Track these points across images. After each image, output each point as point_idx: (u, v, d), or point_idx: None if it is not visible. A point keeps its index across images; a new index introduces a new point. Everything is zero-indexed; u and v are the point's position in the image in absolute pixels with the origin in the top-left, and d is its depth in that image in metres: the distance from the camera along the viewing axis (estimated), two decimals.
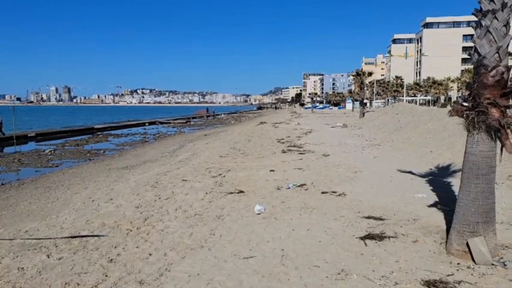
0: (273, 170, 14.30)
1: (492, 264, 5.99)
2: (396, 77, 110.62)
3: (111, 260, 6.52)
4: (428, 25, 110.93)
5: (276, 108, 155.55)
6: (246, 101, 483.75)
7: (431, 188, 11.07)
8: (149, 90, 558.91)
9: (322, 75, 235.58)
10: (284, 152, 19.57)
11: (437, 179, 12.24)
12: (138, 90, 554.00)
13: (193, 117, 79.94)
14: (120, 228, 8.22)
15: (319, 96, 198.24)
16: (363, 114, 48.66)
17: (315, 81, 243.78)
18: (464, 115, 6.32)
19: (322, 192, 10.80)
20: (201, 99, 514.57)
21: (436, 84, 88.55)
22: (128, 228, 8.16)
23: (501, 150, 6.38)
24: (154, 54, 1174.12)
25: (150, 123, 59.80)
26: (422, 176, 12.65)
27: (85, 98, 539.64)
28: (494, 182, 6.47)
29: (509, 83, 6.07)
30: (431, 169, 13.70)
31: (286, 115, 74.92)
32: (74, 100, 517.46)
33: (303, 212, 8.90)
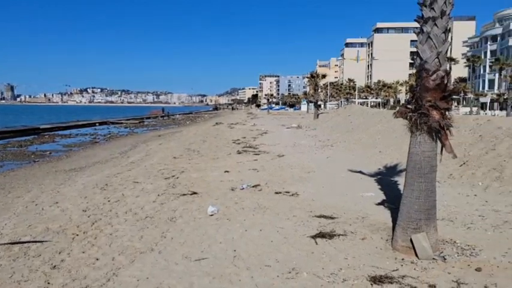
0: (228, 171, 14.27)
1: (433, 258, 6.30)
2: (349, 79, 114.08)
3: (55, 266, 6.20)
4: (378, 30, 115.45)
5: (232, 109, 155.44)
6: (201, 101, 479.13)
7: (379, 187, 11.50)
8: (100, 89, 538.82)
9: (278, 76, 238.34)
10: (239, 153, 19.59)
11: (385, 178, 12.74)
12: (88, 89, 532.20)
13: (147, 118, 78.08)
14: (66, 233, 7.84)
15: (275, 97, 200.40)
16: (317, 115, 49.75)
17: (271, 83, 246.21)
18: (408, 117, 6.62)
19: (276, 193, 10.91)
20: (156, 99, 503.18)
21: (386, 87, 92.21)
22: (74, 233, 7.80)
23: (441, 150, 6.75)
24: (105, 52, 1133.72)
25: (101, 124, 57.63)
26: (372, 176, 13.11)
27: (30, 96, 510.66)
28: (435, 180, 6.82)
29: (448, 86, 6.43)
30: (379, 169, 14.24)
31: (242, 116, 75.10)
32: (18, 99, 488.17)
33: (256, 213, 8.94)
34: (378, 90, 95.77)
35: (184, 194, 10.76)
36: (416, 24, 6.61)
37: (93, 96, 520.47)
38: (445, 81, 6.35)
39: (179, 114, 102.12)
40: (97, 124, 56.48)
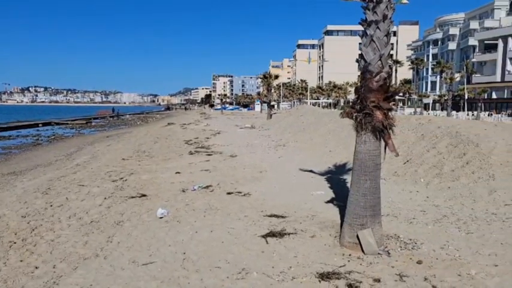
0: (179, 172, 14.02)
1: (378, 253, 6.54)
2: (301, 80, 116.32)
3: None
4: (329, 32, 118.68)
5: (185, 109, 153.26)
6: (153, 101, 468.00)
7: (329, 185, 11.78)
8: (44, 88, 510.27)
9: (232, 76, 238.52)
10: (191, 154, 19.33)
11: (335, 176, 13.08)
12: (30, 88, 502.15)
13: (94, 118, 75.04)
14: (2, 240, 7.33)
15: (228, 97, 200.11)
16: (270, 115, 50.25)
17: (224, 83, 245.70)
18: (354, 117, 6.82)
19: (228, 193, 10.87)
20: (104, 99, 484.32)
21: (337, 88, 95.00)
22: (11, 241, 7.31)
23: (385, 149, 7.02)
24: (48, 50, 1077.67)
25: (45, 124, 54.50)
26: (322, 175, 13.41)
27: None
28: (379, 178, 7.09)
29: (390, 87, 6.70)
30: (329, 167, 14.60)
31: (195, 116, 74.27)
32: None
33: (207, 214, 8.84)
34: (329, 91, 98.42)
35: (133, 197, 10.44)
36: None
37: (36, 96, 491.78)
38: (388, 83, 6.61)
39: (129, 114, 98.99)
40: (40, 125, 53.27)
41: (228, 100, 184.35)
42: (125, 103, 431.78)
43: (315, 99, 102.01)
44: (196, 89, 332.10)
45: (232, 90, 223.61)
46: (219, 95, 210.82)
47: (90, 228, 7.98)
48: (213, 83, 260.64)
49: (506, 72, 63.37)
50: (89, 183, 12.33)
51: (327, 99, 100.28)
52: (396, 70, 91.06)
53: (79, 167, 16.24)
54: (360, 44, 6.86)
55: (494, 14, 70.80)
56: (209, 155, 18.86)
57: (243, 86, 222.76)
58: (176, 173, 13.93)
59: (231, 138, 27.73)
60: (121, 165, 15.90)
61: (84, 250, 6.78)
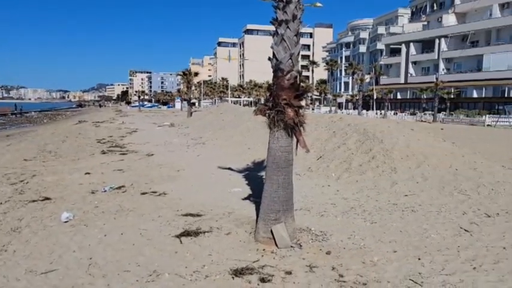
0: (89, 173, 13.16)
1: (291, 246, 6.73)
2: (222, 78, 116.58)
3: None
4: (249, 31, 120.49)
5: (100, 106, 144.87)
6: (63, 97, 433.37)
7: (246, 182, 11.89)
8: None
9: (150, 73, 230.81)
10: (104, 153, 18.30)
11: (253, 173, 13.24)
12: None
13: None
14: None
15: (147, 94, 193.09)
16: (191, 113, 49.53)
17: (142, 79, 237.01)
18: (267, 114, 6.93)
19: (142, 193, 10.44)
20: (5, 95, 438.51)
21: (257, 86, 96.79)
22: None
23: (296, 145, 7.24)
24: None
25: None
26: (240, 172, 13.50)
27: None
28: (292, 173, 7.30)
29: (301, 86, 6.91)
30: (248, 165, 14.75)
31: (110, 114, 70.57)
32: None
33: (118, 216, 8.39)
34: (250, 89, 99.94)
35: (34, 201, 9.53)
36: None
37: None
38: (298, 81, 6.81)
39: (35, 111, 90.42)
40: None
41: (146, 97, 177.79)
42: (30, 99, 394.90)
43: (237, 97, 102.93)
44: (112, 85, 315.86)
45: (150, 87, 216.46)
46: (136, 91, 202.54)
47: None
48: (130, 79, 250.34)
49: (409, 75, 69.77)
50: None
51: (248, 97, 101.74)
52: (313, 70, 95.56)
53: None
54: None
55: (399, 21, 77.50)
56: (123, 154, 18.01)
57: (162, 82, 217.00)
58: (86, 173, 13.06)
59: (148, 137, 26.80)
60: (22, 167, 14.48)
61: None
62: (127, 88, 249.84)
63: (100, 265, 5.90)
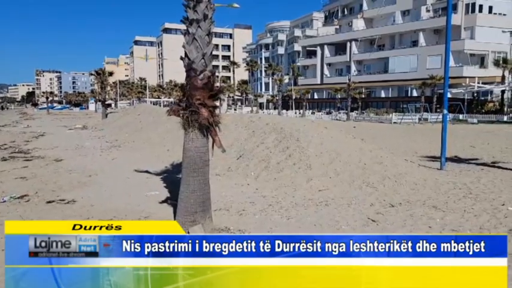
0: None
1: None
2: (140, 78, 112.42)
3: None
4: (167, 30, 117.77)
5: (2, 108, 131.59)
6: None
7: (164, 185, 11.56)
8: None
9: (60, 72, 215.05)
10: (5, 160, 16.58)
11: (172, 175, 12.92)
12: None
13: None
14: None
15: (56, 95, 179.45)
16: (106, 115, 47.10)
17: (51, 79, 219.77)
18: (181, 115, 6.79)
19: (48, 202, 9.63)
20: None
21: (178, 87, 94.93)
22: None
23: (212, 145, 7.20)
24: None
25: None
26: (158, 174, 13.11)
27: None
28: (208, 174, 7.24)
29: (215, 86, 6.88)
30: (166, 167, 14.37)
31: (13, 117, 64.46)
32: None
33: None
34: (170, 90, 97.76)
35: None
36: None
37: None
38: (212, 81, 6.77)
39: None
40: None
41: (56, 98, 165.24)
42: None
43: (156, 98, 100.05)
44: (15, 85, 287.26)
45: (61, 87, 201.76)
46: (43, 92, 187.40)
47: None
48: (37, 79, 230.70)
49: (325, 76, 73.57)
50: None
51: (169, 98, 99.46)
52: (234, 71, 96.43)
53: None
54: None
55: (314, 24, 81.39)
56: (28, 160, 16.49)
57: (74, 83, 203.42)
58: None
59: (58, 141, 24.88)
60: None
61: None
62: (33, 89, 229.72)
63: None
